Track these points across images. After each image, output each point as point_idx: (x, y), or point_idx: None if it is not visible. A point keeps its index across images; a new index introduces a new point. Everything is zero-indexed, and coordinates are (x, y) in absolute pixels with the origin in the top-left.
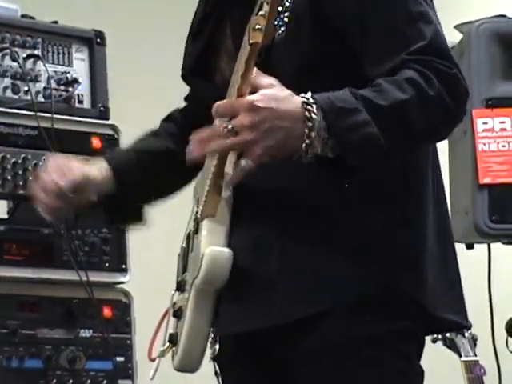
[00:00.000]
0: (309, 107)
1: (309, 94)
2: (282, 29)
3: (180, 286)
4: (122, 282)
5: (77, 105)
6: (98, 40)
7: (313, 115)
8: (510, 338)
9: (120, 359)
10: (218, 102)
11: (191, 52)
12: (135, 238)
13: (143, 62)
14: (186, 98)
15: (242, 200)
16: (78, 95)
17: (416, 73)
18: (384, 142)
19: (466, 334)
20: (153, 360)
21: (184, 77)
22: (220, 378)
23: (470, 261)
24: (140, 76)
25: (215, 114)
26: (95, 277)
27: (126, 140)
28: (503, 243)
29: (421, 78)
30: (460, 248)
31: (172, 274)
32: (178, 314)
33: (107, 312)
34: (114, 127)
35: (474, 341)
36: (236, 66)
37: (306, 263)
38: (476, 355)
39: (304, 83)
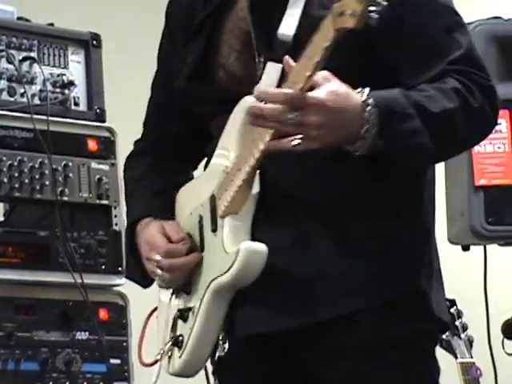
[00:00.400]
0: (367, 108)
1: (366, 92)
2: (376, 17)
3: (184, 288)
4: (119, 285)
5: (73, 107)
6: (94, 42)
7: (370, 116)
8: (506, 340)
9: (116, 361)
10: (289, 92)
11: (186, 57)
12: None
13: (140, 65)
14: (151, 124)
15: (272, 199)
16: (74, 97)
17: (459, 83)
18: (435, 151)
19: (462, 336)
20: (148, 365)
21: (177, 88)
22: (216, 379)
23: (466, 262)
24: (136, 78)
25: (284, 101)
26: (91, 279)
27: (123, 142)
28: (499, 245)
29: (465, 89)
30: (456, 250)
31: None
32: (185, 315)
33: (103, 314)
34: (110, 129)
35: (470, 342)
36: (306, 52)
37: (340, 265)
38: (472, 357)
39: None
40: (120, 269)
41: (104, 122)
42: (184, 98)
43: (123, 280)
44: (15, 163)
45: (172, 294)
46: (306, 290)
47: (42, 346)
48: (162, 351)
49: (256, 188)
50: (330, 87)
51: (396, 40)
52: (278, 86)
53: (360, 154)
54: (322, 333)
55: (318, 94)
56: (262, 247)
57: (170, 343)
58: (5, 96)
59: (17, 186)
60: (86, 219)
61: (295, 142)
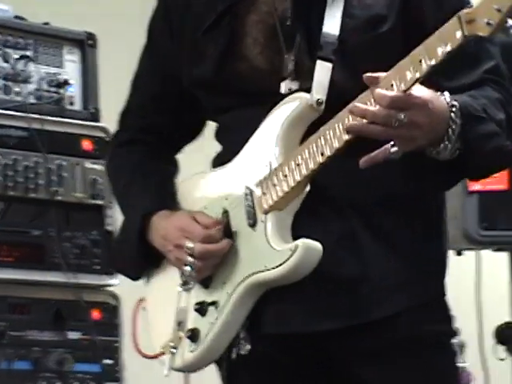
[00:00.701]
0: (453, 109)
1: (448, 95)
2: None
3: (203, 281)
4: (112, 285)
5: (68, 106)
6: (90, 42)
7: (456, 118)
8: (497, 345)
9: (108, 362)
10: (396, 94)
11: (205, 47)
12: None
13: (134, 65)
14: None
15: (316, 197)
16: (69, 97)
17: (499, 94)
18: None
19: (454, 341)
20: (151, 357)
21: (202, 78)
22: (226, 377)
23: (459, 267)
24: (130, 77)
25: (387, 105)
26: (85, 279)
27: None
28: (493, 250)
29: (505, 101)
30: (449, 255)
31: None
32: (204, 309)
33: (96, 315)
34: (104, 129)
35: (461, 348)
36: (415, 53)
37: (384, 265)
38: (464, 362)
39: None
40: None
41: (99, 121)
42: (201, 88)
43: (116, 280)
44: (10, 162)
45: (182, 286)
46: (352, 291)
47: (35, 346)
48: (172, 344)
49: (308, 186)
50: (423, 88)
51: None
52: (330, 85)
53: (441, 157)
54: (363, 332)
55: (421, 94)
56: (318, 246)
57: (185, 336)
58: (0, 94)
59: (11, 184)
60: (80, 219)
61: (394, 150)
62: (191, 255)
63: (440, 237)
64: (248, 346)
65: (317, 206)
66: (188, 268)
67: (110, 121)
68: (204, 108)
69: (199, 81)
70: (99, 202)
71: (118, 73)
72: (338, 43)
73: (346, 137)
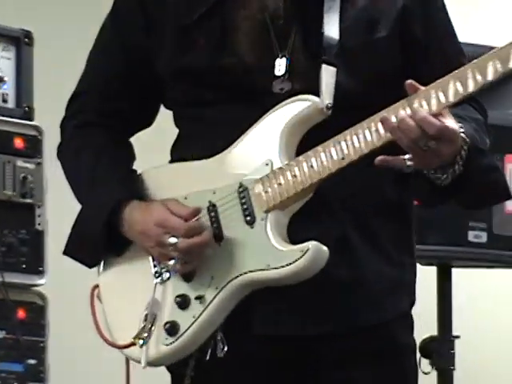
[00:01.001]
0: (464, 146)
1: (462, 129)
2: None
3: (186, 275)
4: (39, 285)
5: (1, 104)
6: (26, 40)
7: (465, 152)
8: (422, 359)
9: (32, 362)
10: (438, 125)
11: (196, 38)
12: (54, 240)
13: (72, 63)
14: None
15: (314, 199)
16: (3, 94)
17: (481, 116)
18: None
19: None
20: (122, 347)
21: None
22: (190, 378)
23: None
24: (67, 77)
25: (428, 132)
26: (11, 278)
27: (50, 142)
28: (421, 264)
29: (485, 121)
30: None
31: (88, 279)
32: (186, 303)
33: (21, 314)
34: (37, 128)
35: None
36: (462, 73)
37: (377, 269)
38: None
39: (368, 94)
40: (41, 269)
41: (32, 120)
42: (188, 78)
43: (43, 280)
44: None
45: (157, 277)
46: (350, 294)
47: None
48: (145, 335)
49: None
50: (453, 121)
51: (423, 55)
52: (336, 89)
53: (441, 183)
54: (355, 335)
55: (455, 128)
56: (326, 250)
57: (163, 329)
58: None
59: None
60: (8, 217)
61: (410, 164)
62: (175, 250)
63: (414, 245)
64: (225, 348)
65: (313, 208)
66: (172, 262)
67: (43, 120)
68: (180, 98)
69: (188, 70)
70: (29, 200)
71: (54, 72)
72: (339, 46)
73: (376, 143)
